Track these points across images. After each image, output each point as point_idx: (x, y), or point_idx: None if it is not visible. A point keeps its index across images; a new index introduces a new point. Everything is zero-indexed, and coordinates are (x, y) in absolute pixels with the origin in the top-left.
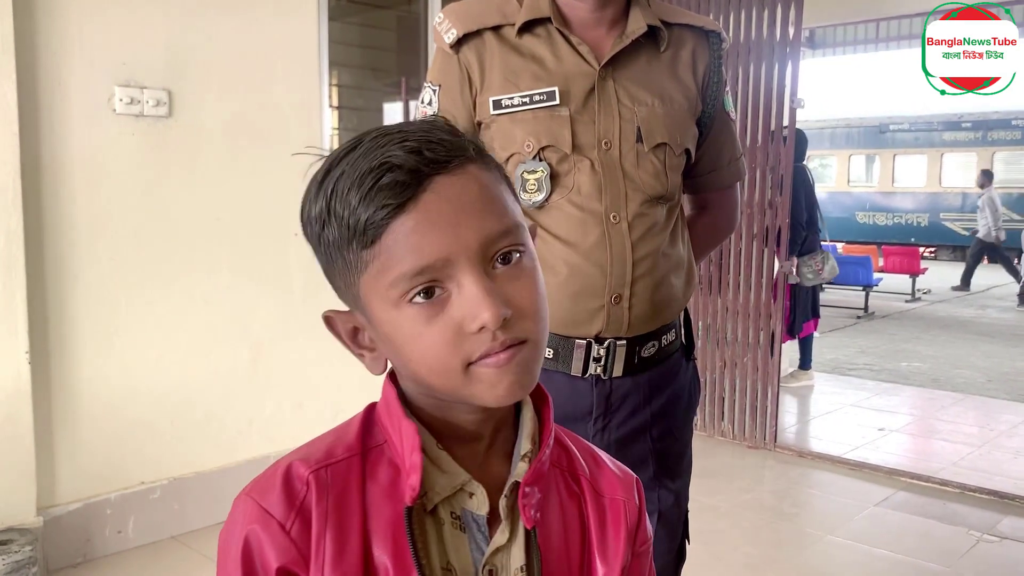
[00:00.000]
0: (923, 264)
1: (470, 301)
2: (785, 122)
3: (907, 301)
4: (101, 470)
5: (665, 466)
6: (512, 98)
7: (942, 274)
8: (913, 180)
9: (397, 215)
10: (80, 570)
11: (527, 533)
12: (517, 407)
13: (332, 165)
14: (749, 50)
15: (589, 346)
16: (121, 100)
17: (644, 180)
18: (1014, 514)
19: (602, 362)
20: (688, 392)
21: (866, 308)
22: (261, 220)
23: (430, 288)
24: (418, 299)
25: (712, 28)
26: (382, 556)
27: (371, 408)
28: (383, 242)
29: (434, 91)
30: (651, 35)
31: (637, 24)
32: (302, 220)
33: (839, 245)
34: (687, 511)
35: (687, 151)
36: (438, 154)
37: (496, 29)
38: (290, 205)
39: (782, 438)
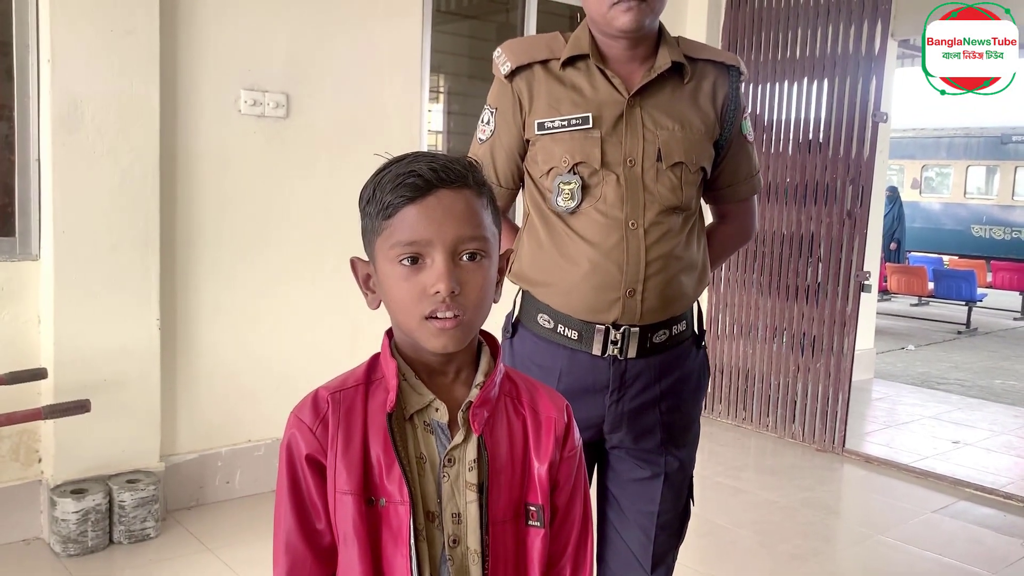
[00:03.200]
0: None
1: (435, 273)
2: (867, 135)
3: (1016, 319)
4: (215, 427)
5: (671, 436)
6: (553, 121)
7: None
8: None
9: (408, 204)
10: (193, 512)
11: (478, 437)
12: (479, 353)
13: (385, 167)
14: (835, 63)
15: (607, 331)
16: (246, 102)
17: (661, 193)
18: None
19: (618, 345)
20: (697, 375)
21: (968, 323)
22: None
23: (415, 257)
24: (405, 262)
25: (732, 63)
26: (376, 449)
27: (376, 356)
28: (395, 218)
29: (492, 113)
30: (676, 69)
31: (664, 60)
32: (360, 197)
33: (945, 258)
34: (692, 476)
35: (703, 168)
36: (448, 175)
37: (544, 63)
38: None
39: (853, 444)
